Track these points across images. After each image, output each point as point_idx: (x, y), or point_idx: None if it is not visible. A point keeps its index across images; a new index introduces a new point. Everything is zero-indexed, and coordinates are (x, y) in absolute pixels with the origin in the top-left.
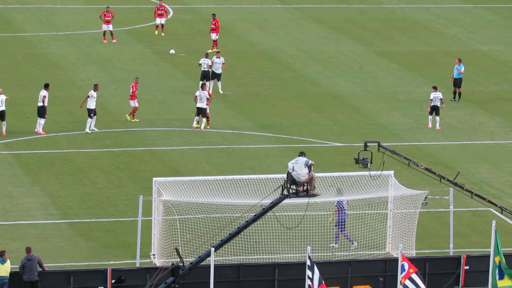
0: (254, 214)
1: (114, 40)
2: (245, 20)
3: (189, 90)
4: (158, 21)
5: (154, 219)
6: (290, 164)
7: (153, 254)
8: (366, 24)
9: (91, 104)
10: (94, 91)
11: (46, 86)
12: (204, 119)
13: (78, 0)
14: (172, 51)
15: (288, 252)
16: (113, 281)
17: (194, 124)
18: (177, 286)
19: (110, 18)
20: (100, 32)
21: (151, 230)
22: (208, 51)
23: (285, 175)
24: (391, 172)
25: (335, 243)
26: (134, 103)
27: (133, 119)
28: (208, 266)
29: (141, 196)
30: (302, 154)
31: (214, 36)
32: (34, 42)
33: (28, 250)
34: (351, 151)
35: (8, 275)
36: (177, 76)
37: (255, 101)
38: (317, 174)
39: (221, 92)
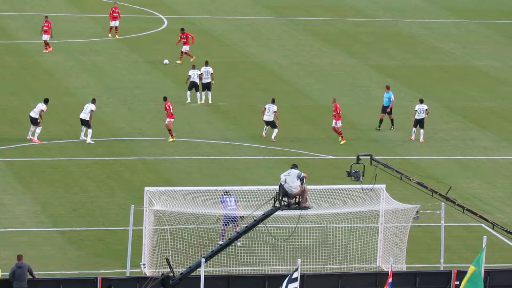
0: (245, 226)
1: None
2: (239, 31)
3: (181, 100)
4: (112, 23)
5: (145, 228)
6: (282, 176)
7: (144, 264)
8: (360, 37)
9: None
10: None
11: (46, 101)
12: (276, 130)
13: (73, 9)
14: (166, 61)
15: (279, 264)
16: None
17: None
18: None
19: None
20: (94, 40)
21: (141, 239)
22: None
23: (277, 187)
24: (383, 186)
25: (221, 241)
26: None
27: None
28: (198, 277)
29: (133, 205)
30: (294, 166)
31: (186, 48)
32: (28, 50)
33: (19, 257)
34: (343, 164)
35: None
36: (169, 85)
37: (248, 112)
38: (308, 187)
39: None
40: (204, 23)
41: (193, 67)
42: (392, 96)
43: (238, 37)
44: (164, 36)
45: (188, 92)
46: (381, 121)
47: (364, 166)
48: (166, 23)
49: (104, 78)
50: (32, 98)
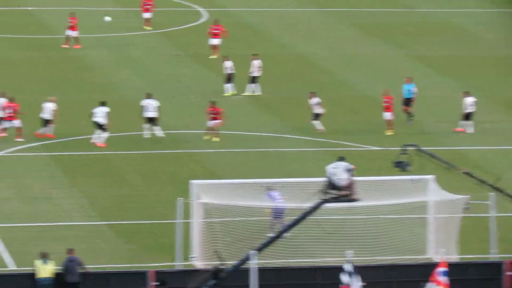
0: (294, 218)
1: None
2: (280, 23)
3: (223, 92)
4: (145, 15)
5: (193, 221)
6: (330, 169)
7: (194, 257)
8: (402, 27)
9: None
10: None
11: (105, 104)
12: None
13: (113, 3)
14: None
15: (329, 255)
16: (156, 283)
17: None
18: None
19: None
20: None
21: (191, 232)
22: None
23: (323, 179)
24: (432, 177)
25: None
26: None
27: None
28: (249, 269)
29: (179, 198)
30: (342, 158)
31: (216, 41)
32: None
33: (70, 251)
34: (388, 155)
35: (50, 275)
36: (211, 78)
37: (291, 104)
38: (356, 178)
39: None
40: (244, 16)
41: (227, 59)
42: (414, 88)
43: (279, 30)
44: (203, 28)
45: (226, 85)
46: (408, 113)
47: (410, 156)
48: (205, 16)
49: (144, 72)
50: (74, 93)
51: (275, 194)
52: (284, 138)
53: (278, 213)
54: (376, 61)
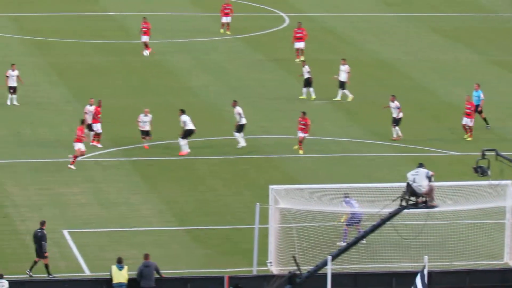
0: (372, 225)
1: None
2: (361, 28)
3: (304, 99)
4: (224, 19)
5: (271, 226)
6: (410, 176)
7: (270, 262)
8: (483, 33)
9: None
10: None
11: (184, 111)
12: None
13: (194, 8)
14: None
15: (406, 261)
16: None
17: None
18: None
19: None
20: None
21: (268, 237)
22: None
23: (402, 184)
24: (510, 182)
25: (343, 241)
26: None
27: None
28: (325, 275)
29: (258, 204)
30: (421, 165)
31: (301, 45)
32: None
33: (146, 256)
34: (468, 160)
35: (126, 281)
36: (293, 83)
37: (371, 109)
38: (434, 184)
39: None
40: (326, 21)
41: (304, 64)
42: (482, 95)
43: (360, 35)
44: (285, 33)
45: (303, 89)
46: (485, 119)
47: (489, 161)
48: (287, 21)
49: (226, 77)
50: (155, 97)
51: (353, 201)
52: (364, 143)
53: (354, 220)
54: (457, 67)
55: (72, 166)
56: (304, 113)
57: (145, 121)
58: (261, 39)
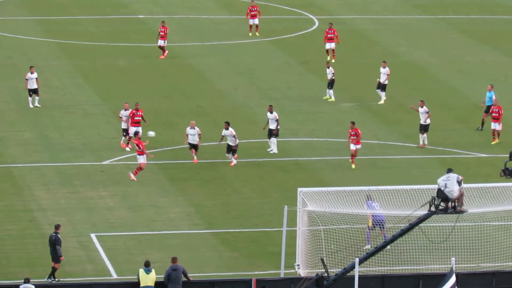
0: (401, 229)
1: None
2: (389, 30)
3: (331, 101)
4: (251, 22)
5: (299, 229)
6: (441, 181)
7: (298, 265)
8: (510, 35)
9: None
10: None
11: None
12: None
13: (223, 11)
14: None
15: (433, 263)
16: None
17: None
18: None
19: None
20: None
21: (295, 240)
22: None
23: (430, 186)
24: None
25: (368, 245)
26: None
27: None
28: (352, 277)
29: (286, 206)
30: (450, 170)
31: (332, 45)
32: (180, 52)
33: (173, 260)
34: (496, 162)
35: (153, 284)
36: (321, 86)
37: (399, 111)
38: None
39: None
40: (355, 23)
41: (327, 65)
42: (494, 96)
43: (388, 36)
44: (314, 36)
45: (328, 91)
46: (483, 121)
47: None
48: (317, 24)
49: (255, 79)
50: (184, 101)
51: (374, 204)
52: (391, 145)
53: (377, 223)
54: (484, 69)
55: (133, 177)
56: (353, 123)
57: (192, 134)
58: (291, 42)
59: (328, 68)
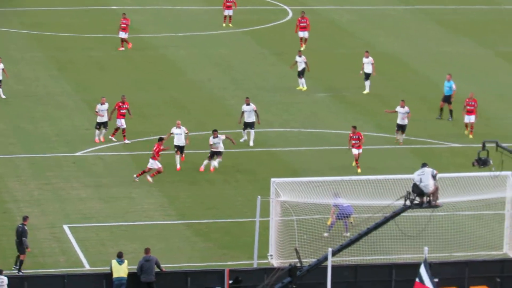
0: (375, 223)
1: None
2: (365, 21)
3: (306, 91)
4: (226, 12)
5: (272, 219)
6: (416, 176)
7: (271, 255)
8: (488, 26)
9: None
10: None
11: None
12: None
13: (197, 1)
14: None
15: (405, 252)
16: (230, 281)
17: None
18: (294, 286)
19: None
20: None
21: (268, 230)
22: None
23: (404, 176)
24: (509, 173)
25: (347, 232)
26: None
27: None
28: (325, 267)
29: (259, 197)
30: (425, 164)
31: (305, 34)
32: (153, 44)
33: (146, 251)
34: (469, 152)
35: (126, 275)
36: (295, 76)
37: (374, 102)
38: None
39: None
40: (330, 14)
41: (300, 55)
42: (454, 86)
43: (364, 27)
44: (289, 27)
45: (299, 80)
46: (441, 109)
47: (488, 152)
48: (291, 14)
49: (229, 70)
50: (158, 91)
51: (341, 200)
52: (365, 135)
53: (345, 216)
54: (461, 60)
55: (150, 179)
56: (354, 127)
57: (178, 134)
58: (265, 32)
59: (300, 56)
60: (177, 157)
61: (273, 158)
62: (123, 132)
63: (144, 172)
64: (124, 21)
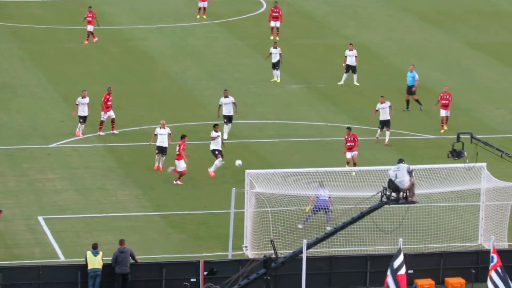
0: (351, 217)
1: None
2: (338, 12)
3: (280, 83)
4: (201, 4)
5: (246, 211)
6: (392, 172)
7: (246, 246)
8: (456, 14)
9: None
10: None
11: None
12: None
13: None
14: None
15: (380, 244)
16: (205, 273)
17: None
18: (269, 278)
19: None
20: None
21: (243, 222)
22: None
23: (378, 168)
24: (484, 164)
25: (301, 225)
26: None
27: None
28: (300, 259)
29: (234, 188)
30: (401, 161)
31: (277, 24)
32: (128, 35)
33: (121, 242)
34: (443, 143)
35: (100, 267)
36: (269, 68)
37: (348, 93)
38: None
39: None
40: (303, 5)
41: (275, 46)
42: (417, 76)
43: (336, 19)
44: (262, 18)
45: (274, 71)
46: (407, 102)
47: (463, 144)
48: (265, 6)
49: (203, 61)
50: (134, 83)
51: (322, 192)
52: (340, 127)
53: (322, 208)
54: (434, 50)
55: (179, 182)
56: (349, 128)
57: (162, 134)
58: (239, 24)
59: (276, 48)
60: (158, 158)
61: (248, 150)
62: (112, 122)
63: (181, 175)
64: (90, 14)
